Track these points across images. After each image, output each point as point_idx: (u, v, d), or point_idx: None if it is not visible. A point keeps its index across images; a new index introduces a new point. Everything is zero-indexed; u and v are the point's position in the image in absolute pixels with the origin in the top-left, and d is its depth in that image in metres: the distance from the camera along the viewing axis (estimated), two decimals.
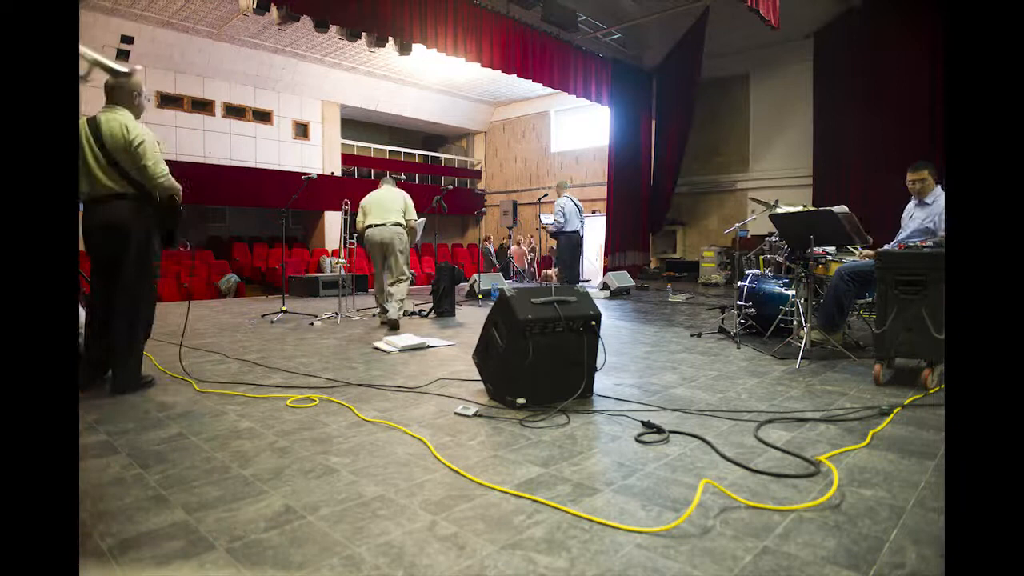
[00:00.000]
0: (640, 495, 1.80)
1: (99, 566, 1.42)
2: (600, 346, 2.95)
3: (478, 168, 17.69)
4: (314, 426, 2.52)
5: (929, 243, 3.67)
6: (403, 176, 13.22)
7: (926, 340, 3.04)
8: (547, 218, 8.80)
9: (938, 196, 3.98)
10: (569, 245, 8.45)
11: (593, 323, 2.87)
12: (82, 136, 2.98)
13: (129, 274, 3.02)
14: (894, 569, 1.39)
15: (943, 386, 3.09)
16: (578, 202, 8.51)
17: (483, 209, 12.78)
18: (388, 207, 5.66)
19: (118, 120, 3.01)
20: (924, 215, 3.98)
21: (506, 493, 1.82)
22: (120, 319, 3.01)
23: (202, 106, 11.83)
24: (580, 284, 7.22)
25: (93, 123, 3.01)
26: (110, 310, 3.04)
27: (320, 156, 13.66)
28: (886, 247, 3.70)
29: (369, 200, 5.74)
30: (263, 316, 6.47)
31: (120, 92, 3.11)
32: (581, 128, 15.09)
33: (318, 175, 12.56)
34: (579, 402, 2.84)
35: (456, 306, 6.74)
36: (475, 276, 8.29)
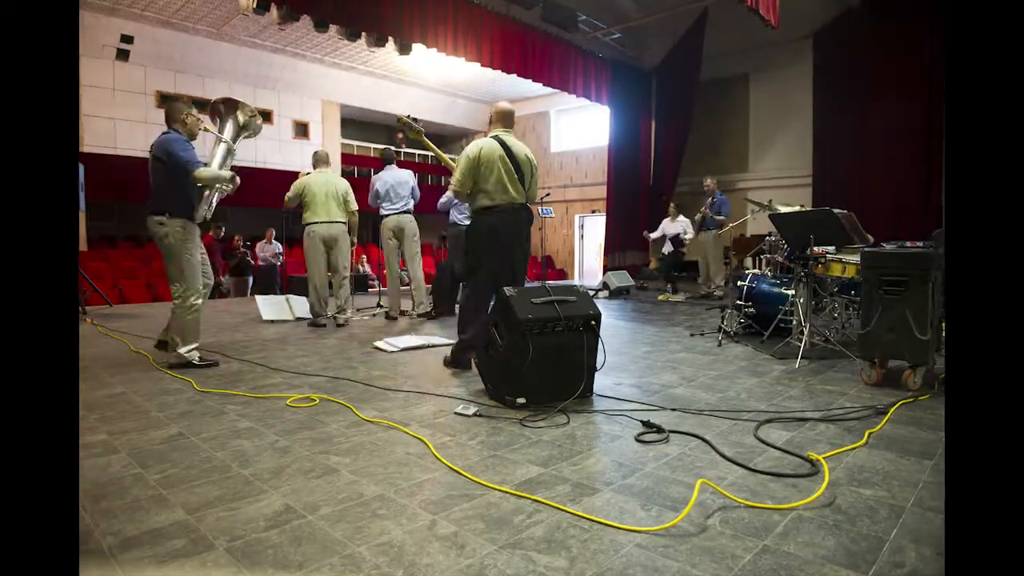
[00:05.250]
0: (640, 495, 1.80)
1: (100, 565, 1.42)
2: (600, 346, 2.95)
3: None
4: (314, 426, 2.52)
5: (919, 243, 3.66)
6: None
7: (909, 341, 3.03)
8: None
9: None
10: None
11: (593, 323, 2.88)
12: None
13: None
14: (894, 568, 1.39)
15: (940, 386, 3.09)
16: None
17: None
18: (332, 200, 5.54)
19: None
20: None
21: (506, 493, 1.82)
22: None
23: (202, 106, 11.80)
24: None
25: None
26: None
27: None
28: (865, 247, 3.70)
29: (311, 186, 5.52)
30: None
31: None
32: (581, 128, 15.07)
33: None
34: (579, 402, 2.84)
35: (456, 306, 6.72)
36: None
